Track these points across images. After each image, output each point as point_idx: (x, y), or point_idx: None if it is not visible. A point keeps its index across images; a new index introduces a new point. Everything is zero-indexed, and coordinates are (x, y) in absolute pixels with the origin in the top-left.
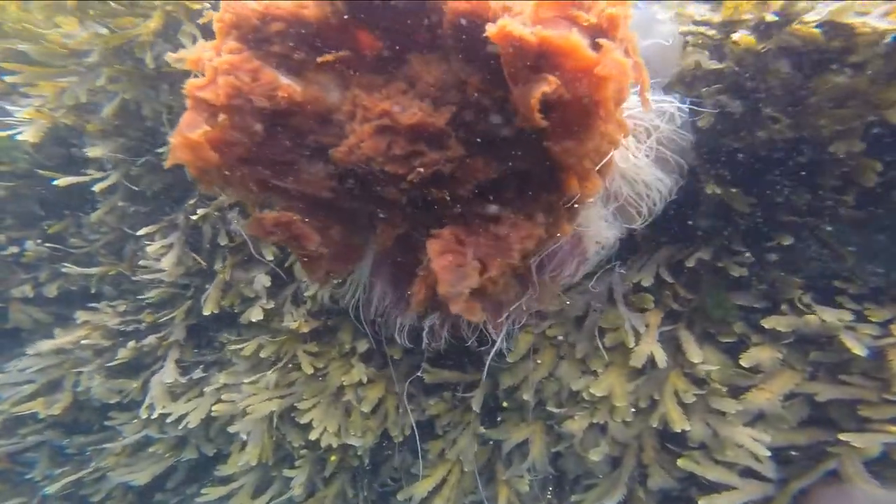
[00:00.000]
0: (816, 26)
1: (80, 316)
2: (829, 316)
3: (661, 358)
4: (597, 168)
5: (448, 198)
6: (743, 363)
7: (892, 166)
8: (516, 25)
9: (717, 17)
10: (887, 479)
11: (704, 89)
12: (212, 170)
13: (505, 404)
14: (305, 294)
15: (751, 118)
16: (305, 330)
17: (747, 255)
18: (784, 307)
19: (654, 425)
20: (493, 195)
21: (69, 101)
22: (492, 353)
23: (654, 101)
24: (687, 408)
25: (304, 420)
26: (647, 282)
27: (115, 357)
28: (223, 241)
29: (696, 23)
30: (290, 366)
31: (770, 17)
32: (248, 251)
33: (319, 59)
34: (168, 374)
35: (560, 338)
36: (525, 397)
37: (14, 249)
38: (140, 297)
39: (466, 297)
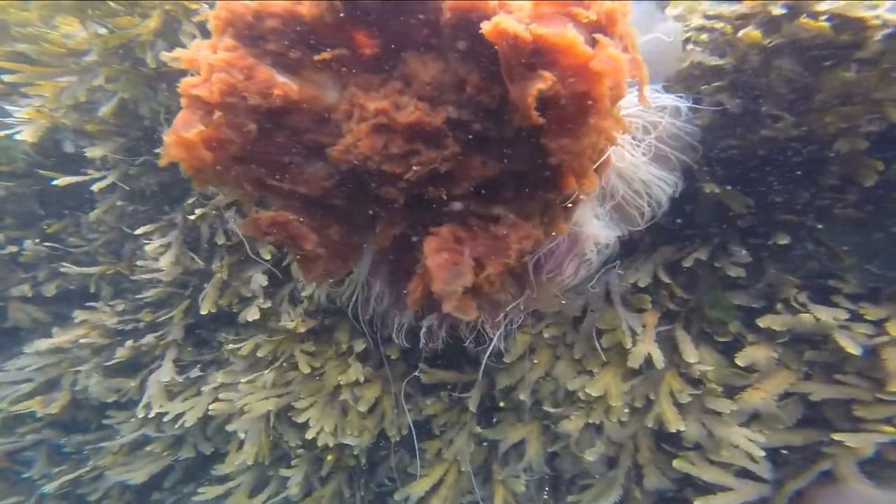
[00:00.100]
0: (825, 19)
1: (79, 315)
2: (824, 315)
3: (659, 358)
4: (595, 166)
5: (445, 197)
6: (738, 362)
7: (890, 165)
8: (511, 22)
9: (728, 11)
10: (881, 479)
11: (705, 86)
12: (206, 168)
13: (502, 404)
14: (302, 294)
15: (752, 116)
16: (302, 330)
17: (744, 254)
18: (779, 306)
19: (650, 425)
20: (491, 194)
21: (68, 100)
22: (488, 353)
23: (654, 98)
24: (682, 408)
25: (300, 419)
26: (644, 282)
27: (113, 356)
28: (221, 240)
29: (709, 17)
30: (287, 365)
31: (777, 11)
32: (245, 250)
33: (316, 58)
34: (165, 373)
35: (557, 337)
36: (521, 397)
37: (13, 249)
38: (138, 296)
39: (460, 296)
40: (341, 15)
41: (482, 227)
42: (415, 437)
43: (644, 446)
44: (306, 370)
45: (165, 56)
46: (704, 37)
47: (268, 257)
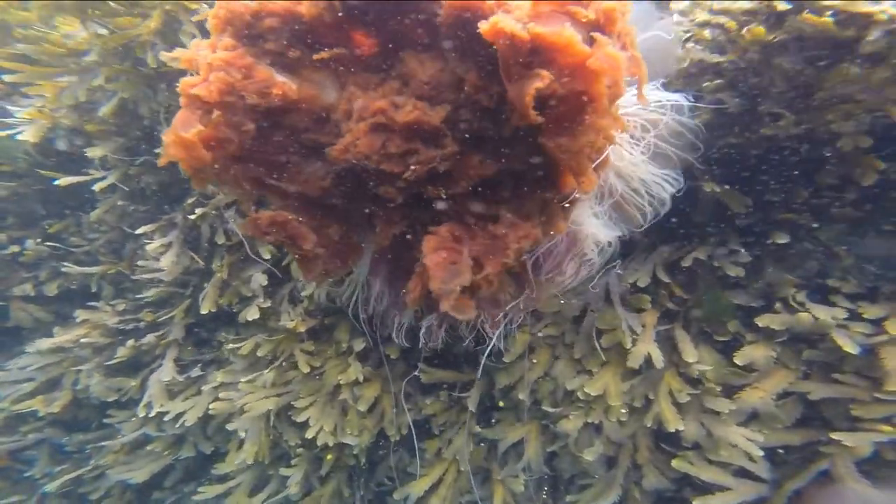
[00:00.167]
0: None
1: (80, 315)
2: (822, 314)
3: (658, 358)
4: (594, 165)
5: (444, 196)
6: (737, 361)
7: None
8: (508, 22)
9: (735, 7)
10: (879, 479)
11: (707, 83)
12: (205, 168)
13: (501, 404)
14: (302, 294)
15: (752, 114)
16: (302, 329)
17: (743, 253)
18: (778, 305)
19: (649, 425)
20: (489, 193)
21: (68, 100)
22: (486, 352)
23: (654, 95)
24: (681, 407)
25: (300, 419)
26: (643, 282)
27: (114, 355)
28: (221, 240)
29: (715, 12)
30: (287, 364)
31: (783, 6)
32: (245, 250)
33: (315, 56)
34: (166, 372)
35: (556, 336)
36: (521, 396)
37: (15, 248)
38: (139, 296)
39: (458, 295)
40: (339, 14)
41: (481, 226)
42: (414, 436)
43: (643, 446)
44: (306, 369)
45: (165, 56)
46: (707, 33)
47: (268, 257)
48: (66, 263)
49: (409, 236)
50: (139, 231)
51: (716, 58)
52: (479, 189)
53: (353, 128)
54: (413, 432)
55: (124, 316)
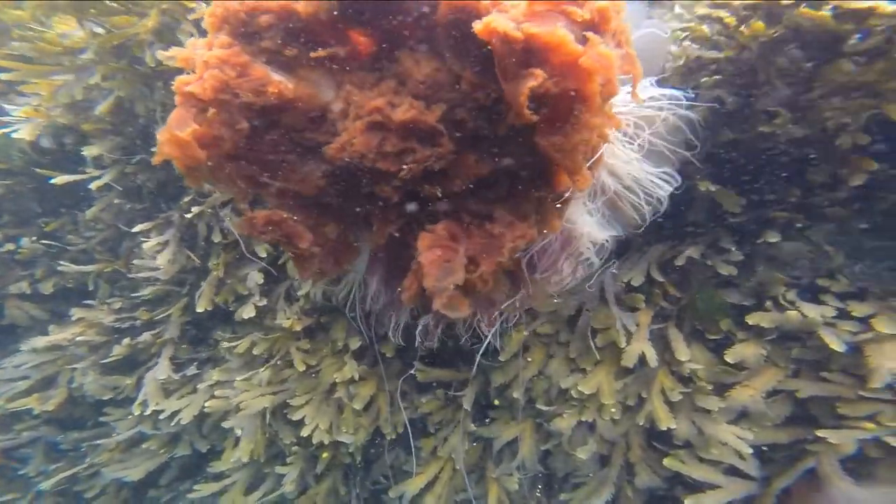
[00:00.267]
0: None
1: (76, 313)
2: (810, 311)
3: (652, 357)
4: (589, 163)
5: (440, 194)
6: (728, 359)
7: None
8: (502, 21)
9: (736, 3)
10: (862, 476)
11: (706, 79)
12: (199, 166)
13: (496, 402)
14: (299, 293)
15: (749, 112)
16: (298, 328)
17: (735, 251)
18: (768, 303)
19: (641, 423)
20: (485, 192)
21: (64, 99)
22: (481, 351)
23: (649, 93)
24: (673, 406)
25: (296, 417)
26: (637, 281)
27: (110, 354)
28: (217, 238)
29: (715, 5)
30: (283, 363)
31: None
32: (241, 248)
33: (312, 54)
34: (162, 370)
35: (550, 335)
36: (515, 395)
37: (11, 246)
38: (135, 294)
39: (451, 293)
40: (335, 13)
41: (477, 224)
42: (410, 434)
43: (636, 444)
44: (302, 368)
45: (161, 55)
46: (706, 28)
47: (264, 255)
48: (62, 262)
49: (405, 235)
50: (135, 229)
51: (714, 54)
52: (476, 188)
53: (349, 126)
54: (409, 431)
55: (120, 314)
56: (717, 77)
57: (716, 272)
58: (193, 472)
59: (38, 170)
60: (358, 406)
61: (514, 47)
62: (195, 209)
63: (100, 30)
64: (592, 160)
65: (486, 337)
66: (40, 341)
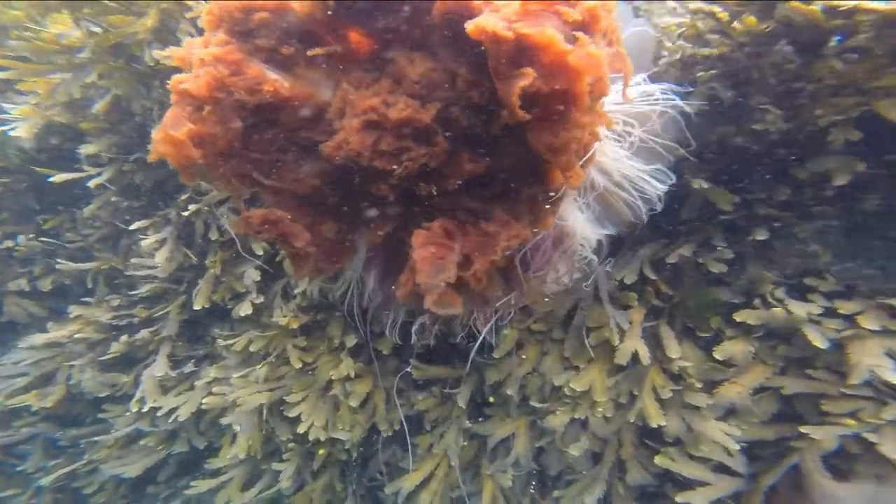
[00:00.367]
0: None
1: (74, 310)
2: (796, 309)
3: (645, 355)
4: (581, 161)
5: (435, 193)
6: (716, 356)
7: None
8: (492, 21)
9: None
10: (843, 473)
11: (701, 73)
12: (194, 165)
13: (491, 399)
14: (295, 290)
15: (741, 109)
16: (295, 326)
17: (725, 249)
18: (756, 301)
19: (632, 420)
20: (481, 190)
21: (62, 97)
22: (475, 348)
23: (641, 91)
24: (664, 403)
25: (292, 414)
26: (630, 279)
27: (108, 351)
28: (214, 235)
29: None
30: (280, 360)
31: None
32: (241, 245)
33: (309, 53)
34: (159, 367)
35: (544, 332)
36: (509, 392)
37: (10, 243)
38: (133, 292)
39: (442, 290)
40: (329, 13)
41: (473, 223)
42: (406, 432)
43: (627, 441)
44: (298, 365)
45: (158, 54)
46: (700, 24)
47: (260, 253)
48: (59, 260)
49: (402, 233)
50: (132, 227)
51: (707, 50)
52: (471, 186)
53: (345, 125)
54: (405, 428)
55: (118, 312)
56: (713, 72)
57: (708, 270)
58: (191, 468)
59: (35, 168)
60: (354, 403)
61: (505, 47)
62: (192, 207)
63: (97, 29)
64: (585, 158)
65: (481, 334)
66: (38, 338)
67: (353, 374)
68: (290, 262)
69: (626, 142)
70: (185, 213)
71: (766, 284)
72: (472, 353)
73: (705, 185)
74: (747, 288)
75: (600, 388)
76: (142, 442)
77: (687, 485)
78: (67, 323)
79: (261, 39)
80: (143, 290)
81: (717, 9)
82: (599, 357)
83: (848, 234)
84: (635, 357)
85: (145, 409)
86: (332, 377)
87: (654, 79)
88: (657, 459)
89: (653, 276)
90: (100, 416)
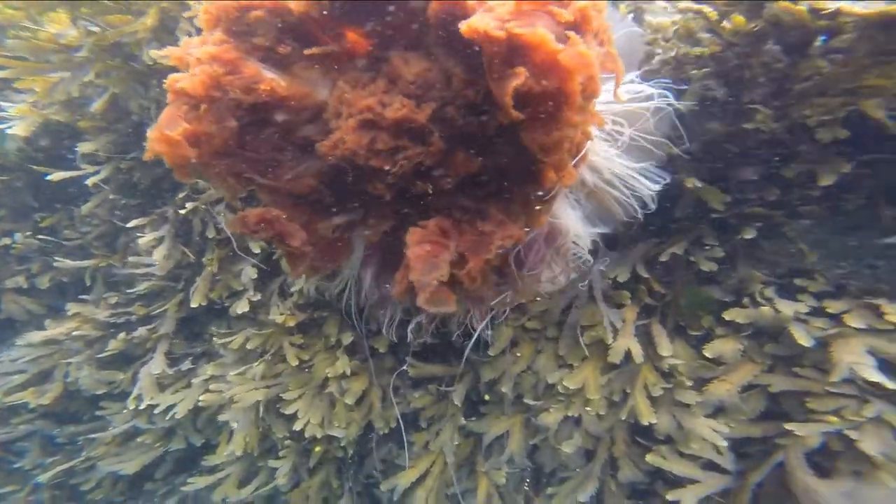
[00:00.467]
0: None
1: (71, 308)
2: (783, 307)
3: (638, 353)
4: (574, 160)
5: (431, 191)
6: (706, 354)
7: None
8: (484, 21)
9: None
10: (826, 470)
11: (693, 72)
12: (189, 164)
13: (487, 397)
14: (292, 289)
15: (733, 108)
16: (291, 323)
17: (716, 248)
18: (746, 300)
19: (623, 418)
20: (476, 189)
21: (60, 96)
22: (469, 346)
23: (633, 90)
24: (655, 400)
25: (288, 411)
26: (623, 277)
27: (106, 348)
28: (211, 233)
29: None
30: (276, 358)
31: None
32: (238, 244)
33: (306, 52)
34: (157, 365)
35: (539, 330)
36: (503, 390)
37: (7, 241)
38: (130, 290)
39: (434, 288)
40: (325, 13)
41: (469, 221)
42: (403, 429)
43: (620, 439)
44: (295, 363)
45: (155, 54)
46: (693, 23)
47: (257, 251)
48: (56, 257)
49: (398, 232)
50: (130, 225)
51: (698, 50)
52: (466, 185)
53: (341, 125)
54: (401, 425)
55: (116, 309)
56: (706, 70)
57: (699, 269)
58: (188, 465)
59: (33, 167)
60: (349, 401)
61: (498, 46)
62: (190, 205)
63: (95, 28)
64: (578, 157)
65: (475, 333)
66: (36, 336)
67: (349, 372)
68: (287, 260)
69: (618, 140)
70: (183, 211)
71: (756, 283)
72: (467, 351)
73: (698, 184)
74: (737, 287)
75: (593, 385)
76: (139, 439)
77: (677, 482)
78: (65, 320)
79: (257, 38)
80: (141, 287)
81: (706, 8)
82: (593, 355)
83: (838, 234)
84: (628, 355)
85: (143, 406)
86: (329, 375)
87: (646, 77)
88: (649, 458)
89: (645, 275)
90: (97, 413)
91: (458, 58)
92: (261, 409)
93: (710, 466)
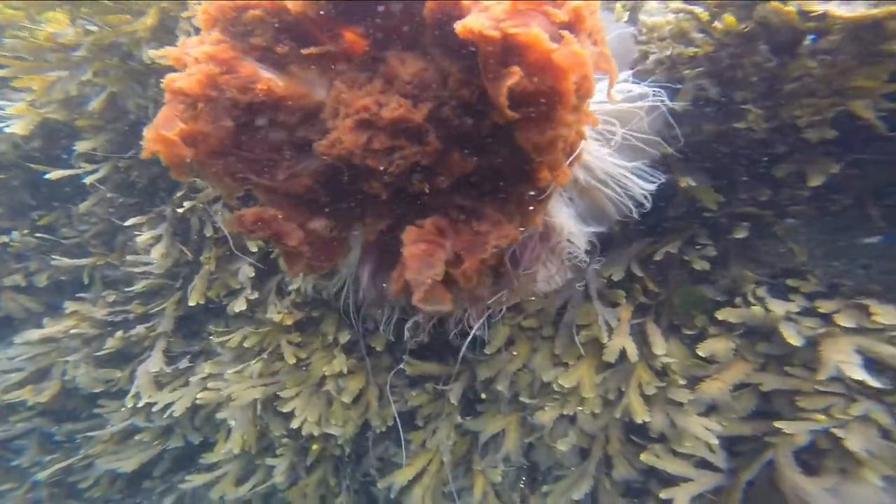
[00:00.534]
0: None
1: (69, 306)
2: (774, 307)
3: (633, 352)
4: (569, 160)
5: (427, 191)
6: (700, 353)
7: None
8: (479, 21)
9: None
10: (813, 468)
11: (687, 72)
12: (185, 163)
13: (483, 396)
14: (290, 287)
15: (724, 108)
16: (289, 322)
17: (709, 247)
18: (738, 300)
19: (618, 416)
20: (472, 188)
21: (58, 94)
22: (465, 345)
23: (624, 90)
24: (649, 399)
25: (286, 409)
26: (618, 276)
27: (103, 346)
28: (209, 232)
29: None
30: (274, 356)
31: None
32: (235, 243)
33: (303, 52)
34: (154, 363)
35: (535, 329)
36: (499, 388)
37: (5, 239)
38: (128, 288)
39: (429, 287)
40: (322, 13)
41: (465, 221)
42: (399, 427)
43: (614, 437)
44: (292, 361)
45: (153, 53)
46: (685, 24)
47: (255, 250)
48: (54, 255)
49: (395, 231)
50: (128, 223)
51: (691, 50)
52: (462, 184)
53: (338, 124)
54: (398, 423)
55: (114, 307)
56: (699, 70)
57: (692, 268)
58: (186, 463)
59: (31, 165)
60: (347, 399)
61: (492, 46)
62: (187, 204)
63: (93, 28)
64: (573, 157)
65: (472, 331)
66: (34, 334)
67: (346, 371)
68: (284, 259)
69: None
70: (180, 210)
71: (748, 283)
72: (463, 349)
73: (692, 183)
74: (730, 286)
75: (588, 384)
76: (137, 437)
77: (671, 481)
78: (63, 318)
79: (255, 38)
80: (139, 286)
81: (697, 9)
82: (588, 354)
83: (828, 234)
84: (623, 354)
85: (141, 404)
86: (326, 373)
87: (640, 77)
88: (643, 457)
89: (640, 274)
90: (95, 411)
91: (454, 58)
92: (258, 407)
93: (703, 464)
